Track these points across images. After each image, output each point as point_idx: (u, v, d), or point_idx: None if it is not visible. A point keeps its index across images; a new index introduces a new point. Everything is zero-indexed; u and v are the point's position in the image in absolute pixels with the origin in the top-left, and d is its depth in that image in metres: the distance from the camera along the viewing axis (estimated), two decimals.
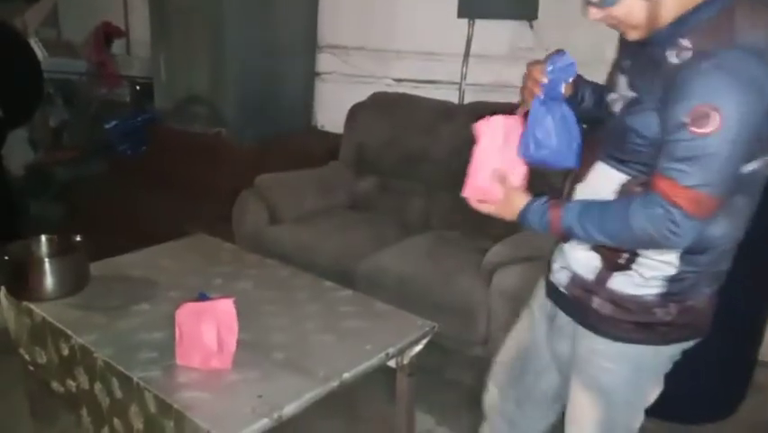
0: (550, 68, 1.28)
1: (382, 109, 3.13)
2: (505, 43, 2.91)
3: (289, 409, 1.37)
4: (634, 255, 1.20)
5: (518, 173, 1.30)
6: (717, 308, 2.02)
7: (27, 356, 1.86)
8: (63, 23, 4.99)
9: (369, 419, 2.17)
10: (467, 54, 3.02)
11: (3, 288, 1.87)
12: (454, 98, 3.09)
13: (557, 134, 1.27)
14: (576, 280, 1.29)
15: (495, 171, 1.28)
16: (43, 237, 1.99)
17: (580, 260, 1.27)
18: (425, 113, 2.99)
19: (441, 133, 2.87)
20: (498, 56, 2.94)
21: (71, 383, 1.68)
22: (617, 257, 1.21)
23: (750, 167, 1.09)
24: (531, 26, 2.78)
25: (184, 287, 1.85)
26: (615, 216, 1.14)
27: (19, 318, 1.85)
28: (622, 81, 1.21)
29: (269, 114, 3.45)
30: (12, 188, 3.72)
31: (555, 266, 1.36)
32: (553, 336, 1.41)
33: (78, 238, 1.96)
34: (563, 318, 1.35)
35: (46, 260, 1.88)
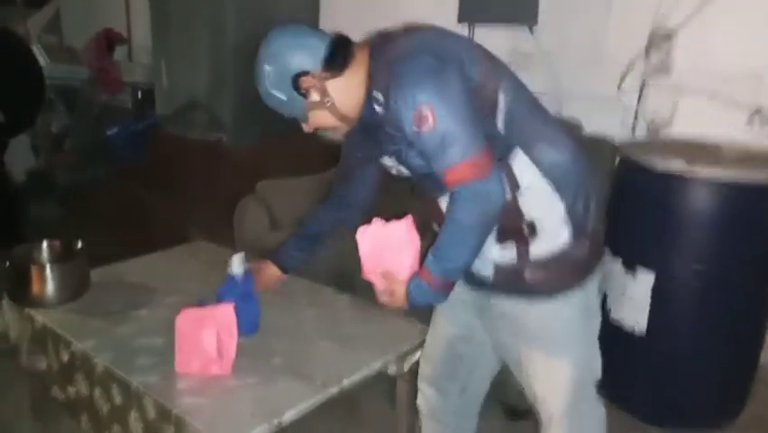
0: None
1: None
2: (505, 48, 2.91)
3: (289, 416, 1.37)
4: (529, 224, 1.29)
5: (406, 268, 1.36)
6: (718, 313, 2.03)
7: (27, 362, 1.86)
8: (65, 29, 5.02)
9: (369, 424, 2.17)
10: None
11: (4, 293, 1.88)
12: None
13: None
14: (500, 269, 1.34)
15: (379, 272, 1.38)
16: (44, 243, 2.00)
17: (495, 254, 1.34)
18: None
19: None
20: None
21: (71, 389, 1.68)
22: (519, 232, 1.30)
23: (500, 120, 1.25)
24: (531, 31, 2.78)
25: (184, 293, 1.86)
26: (454, 233, 1.26)
27: (20, 324, 1.85)
28: (389, 161, 1.40)
29: (270, 120, 3.44)
30: (13, 193, 3.74)
31: (476, 265, 1.39)
32: (490, 324, 1.46)
33: (79, 244, 1.97)
34: (498, 304, 1.40)
35: (47, 266, 1.88)
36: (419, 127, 1.19)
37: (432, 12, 3.14)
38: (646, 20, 2.49)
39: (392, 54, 1.24)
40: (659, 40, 2.48)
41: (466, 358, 1.55)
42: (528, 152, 1.27)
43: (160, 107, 3.71)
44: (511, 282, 1.35)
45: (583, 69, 2.69)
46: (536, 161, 1.27)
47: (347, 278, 2.41)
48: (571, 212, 1.30)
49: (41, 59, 4.02)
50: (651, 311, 2.05)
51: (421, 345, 1.70)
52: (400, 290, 1.34)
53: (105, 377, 1.53)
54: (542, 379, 1.41)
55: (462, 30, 2.98)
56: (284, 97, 1.34)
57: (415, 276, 1.32)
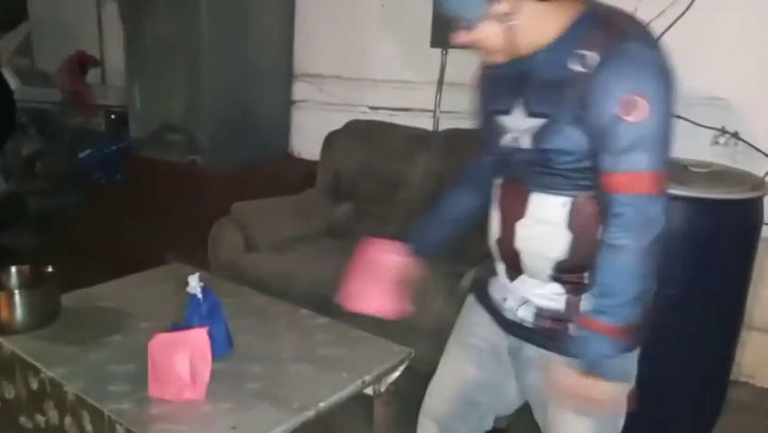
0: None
1: (358, 136, 3.16)
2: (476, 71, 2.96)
3: None
4: (592, 271, 1.19)
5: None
6: (690, 329, 2.06)
7: None
8: (37, 51, 4.97)
9: None
10: (441, 82, 3.07)
11: None
12: (429, 126, 3.13)
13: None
14: (544, 313, 1.27)
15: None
16: (13, 268, 1.96)
17: (542, 294, 1.26)
18: (400, 140, 3.03)
19: (416, 159, 2.90)
20: (471, 84, 2.99)
21: (40, 418, 1.64)
22: (579, 279, 1.22)
23: None
24: None
25: (157, 317, 1.83)
26: (620, 262, 1.11)
27: None
28: (514, 121, 1.21)
29: (245, 141, 3.46)
30: None
31: (509, 303, 1.33)
32: (521, 368, 1.38)
33: (50, 269, 1.93)
34: (532, 351, 1.31)
35: (16, 292, 1.84)
36: (626, 113, 1.05)
37: (405, 36, 3.19)
38: None
39: (629, 27, 1.10)
40: None
41: (483, 406, 1.48)
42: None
43: (134, 130, 3.69)
44: (551, 333, 1.26)
45: None
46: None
47: (326, 301, 2.41)
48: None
49: (12, 82, 3.98)
50: None
51: (399, 364, 1.70)
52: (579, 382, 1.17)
53: (76, 405, 1.50)
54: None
55: (435, 54, 3.03)
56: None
57: (581, 333, 1.17)
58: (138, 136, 3.67)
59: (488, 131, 1.30)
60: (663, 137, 1.09)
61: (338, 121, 3.27)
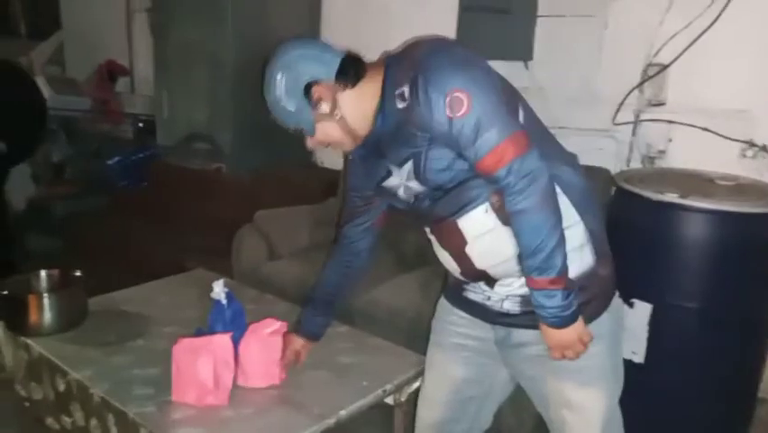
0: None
1: None
2: None
3: None
4: None
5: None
6: (717, 344, 2.03)
7: (23, 392, 1.86)
8: (68, 60, 5.09)
9: None
10: None
11: (2, 322, 1.87)
12: None
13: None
14: (527, 299, 1.30)
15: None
16: (42, 272, 2.00)
17: (521, 284, 1.30)
18: None
19: None
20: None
21: (66, 420, 1.67)
22: None
23: (521, 118, 1.25)
24: (526, 66, 2.84)
25: (181, 322, 1.86)
26: (528, 223, 1.20)
27: (16, 353, 1.85)
28: (396, 178, 1.32)
29: (269, 150, 3.48)
30: (12, 222, 3.75)
31: (493, 299, 1.37)
32: (511, 355, 1.42)
33: (77, 273, 1.97)
34: (521, 334, 1.36)
35: (45, 295, 1.88)
36: (454, 113, 1.15)
37: None
38: (639, 55, 2.54)
39: (419, 52, 1.22)
40: (652, 75, 2.53)
41: (476, 399, 1.52)
42: (548, 167, 1.23)
43: (161, 138, 3.75)
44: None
45: (577, 103, 2.73)
46: (556, 178, 1.25)
47: (344, 309, 2.42)
48: (590, 231, 1.31)
49: (45, 91, 4.07)
50: (649, 342, 2.05)
51: (419, 374, 1.70)
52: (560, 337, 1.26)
53: (101, 407, 1.53)
54: (575, 410, 1.37)
55: None
56: (293, 108, 1.30)
57: (532, 297, 1.25)
58: (164, 144, 3.72)
59: (377, 200, 1.48)
60: (497, 106, 1.18)
61: None
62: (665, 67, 2.50)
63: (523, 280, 1.28)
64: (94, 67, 4.52)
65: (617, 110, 2.62)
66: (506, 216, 1.23)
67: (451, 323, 1.49)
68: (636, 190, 2.06)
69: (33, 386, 1.79)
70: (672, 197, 1.98)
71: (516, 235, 1.22)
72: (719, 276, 2.00)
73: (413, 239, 2.91)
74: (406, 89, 1.20)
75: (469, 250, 1.30)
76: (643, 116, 2.59)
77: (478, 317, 1.42)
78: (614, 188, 2.24)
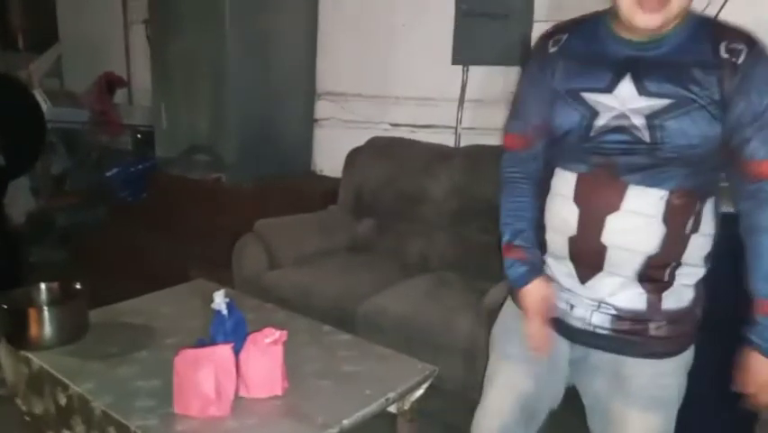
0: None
1: (380, 153, 3.17)
2: (498, 88, 2.97)
3: None
4: (674, 268, 1.21)
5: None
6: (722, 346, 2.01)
7: (24, 406, 1.84)
8: (66, 73, 5.10)
9: None
10: (462, 99, 3.08)
11: (2, 336, 1.87)
12: (450, 142, 3.13)
13: None
14: (623, 315, 1.24)
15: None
16: (43, 285, 1.99)
17: (624, 295, 1.23)
18: (422, 156, 3.04)
19: (438, 175, 2.91)
20: (492, 100, 3.00)
21: None
22: (661, 277, 1.21)
23: None
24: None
25: (183, 333, 1.85)
26: None
27: (17, 367, 1.84)
28: (621, 94, 1.16)
29: (269, 159, 3.49)
30: (13, 236, 3.74)
31: (578, 311, 1.29)
32: (584, 375, 1.37)
33: (78, 286, 1.97)
34: (602, 357, 1.30)
35: (45, 308, 1.88)
36: None
37: (427, 54, 3.21)
38: None
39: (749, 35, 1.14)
40: None
41: (538, 414, 1.45)
42: (715, 204, 1.21)
43: (160, 149, 3.75)
44: (628, 337, 1.25)
45: None
46: (717, 217, 1.23)
47: (346, 316, 2.41)
48: (702, 278, 1.26)
49: (43, 103, 4.08)
50: None
51: (423, 382, 1.69)
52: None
53: (103, 420, 1.51)
54: None
55: (457, 71, 3.05)
56: None
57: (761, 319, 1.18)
58: (164, 155, 3.73)
59: (562, 111, 1.23)
60: None
61: (360, 138, 3.30)
62: None
63: (627, 288, 1.22)
64: (92, 79, 4.53)
65: None
66: (671, 216, 1.16)
67: (523, 334, 1.39)
68: None
69: (34, 400, 1.78)
70: None
71: (761, 253, 1.16)
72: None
73: (416, 246, 2.92)
74: (742, 49, 1.11)
75: (612, 218, 1.18)
76: None
77: (559, 331, 1.34)
78: None
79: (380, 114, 3.45)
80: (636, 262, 1.20)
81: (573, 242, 1.25)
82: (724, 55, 1.11)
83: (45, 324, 1.80)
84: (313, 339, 1.89)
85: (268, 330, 1.60)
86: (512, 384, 1.43)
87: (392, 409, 1.69)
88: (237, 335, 1.63)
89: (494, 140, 2.78)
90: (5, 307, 1.84)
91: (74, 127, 4.47)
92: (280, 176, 3.49)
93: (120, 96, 4.59)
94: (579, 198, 1.22)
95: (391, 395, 1.62)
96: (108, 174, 4.03)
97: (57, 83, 5.03)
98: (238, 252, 2.87)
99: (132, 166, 4.02)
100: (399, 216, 3.02)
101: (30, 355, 1.77)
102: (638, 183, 1.16)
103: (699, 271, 1.25)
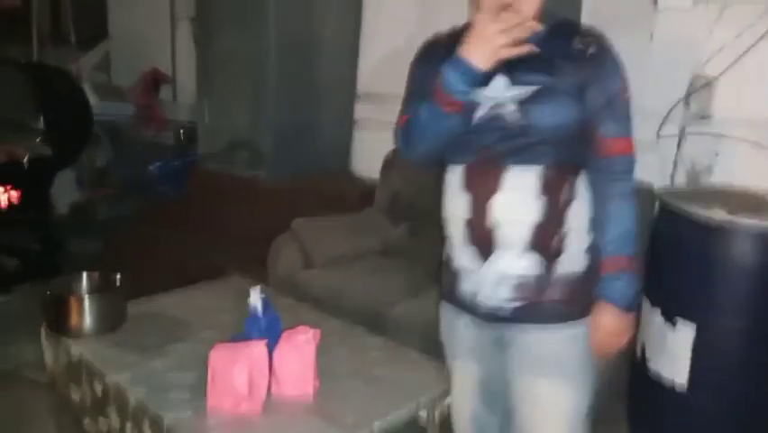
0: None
1: None
2: None
3: None
4: (562, 237, 1.32)
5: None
6: (764, 369, 1.95)
7: (62, 393, 1.89)
8: (114, 68, 5.22)
9: None
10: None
11: (44, 322, 1.92)
12: None
13: None
14: (523, 284, 1.33)
15: None
16: (84, 274, 2.05)
17: (520, 264, 1.33)
18: None
19: None
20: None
21: (103, 422, 1.69)
22: (550, 244, 1.32)
23: None
24: None
25: (219, 327, 1.87)
26: (627, 208, 1.35)
27: (57, 354, 1.89)
28: (496, 86, 1.31)
29: (308, 159, 3.51)
30: (56, 225, 3.85)
31: (483, 294, 1.37)
32: (503, 355, 1.43)
33: (118, 276, 2.01)
34: (510, 333, 1.39)
35: (85, 297, 1.92)
36: (624, 92, 1.34)
37: None
38: (685, 67, 2.48)
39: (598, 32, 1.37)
40: (699, 87, 2.47)
41: (498, 392, 1.50)
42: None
43: (202, 145, 3.81)
44: (529, 305, 1.34)
45: None
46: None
47: (378, 318, 2.40)
48: (591, 245, 1.37)
49: (91, 97, 4.18)
50: (692, 365, 1.98)
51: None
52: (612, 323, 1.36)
53: (137, 411, 1.54)
54: (542, 407, 1.40)
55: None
56: None
57: (616, 276, 1.34)
58: (205, 151, 3.78)
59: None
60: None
61: None
62: (712, 79, 2.43)
63: (522, 259, 1.32)
64: (139, 74, 4.63)
65: (662, 123, 2.56)
66: (547, 187, 1.30)
67: (457, 329, 1.50)
68: (682, 208, 2.00)
69: (72, 387, 1.82)
70: (719, 214, 1.92)
71: (613, 217, 1.34)
72: (766, 299, 1.92)
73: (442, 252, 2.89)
74: (593, 43, 1.32)
75: (494, 199, 1.32)
76: (688, 130, 2.52)
77: (474, 315, 1.43)
78: (658, 206, 2.18)
79: None
80: (524, 233, 1.32)
81: (469, 226, 1.37)
82: (578, 47, 1.31)
83: (85, 312, 1.84)
84: (344, 341, 1.89)
85: (302, 328, 1.61)
86: (466, 377, 1.53)
87: (422, 413, 1.67)
88: (271, 332, 1.64)
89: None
90: (48, 294, 1.89)
91: (119, 121, 4.58)
92: (318, 176, 3.50)
93: (165, 92, 4.68)
94: (468, 186, 1.36)
95: (422, 399, 1.62)
96: (150, 168, 4.11)
97: (104, 77, 5.15)
98: (274, 250, 2.89)
99: (173, 161, 4.10)
100: (434, 222, 2.99)
101: (69, 343, 1.81)
102: (516, 163, 1.31)
103: (586, 238, 1.36)
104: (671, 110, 2.53)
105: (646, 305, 2.10)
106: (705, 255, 1.96)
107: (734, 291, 1.95)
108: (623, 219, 1.34)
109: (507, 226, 1.32)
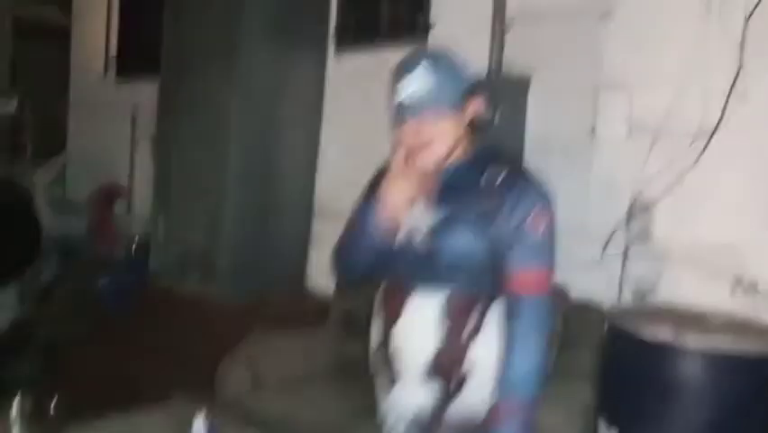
0: None
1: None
2: None
3: None
4: (463, 375, 1.29)
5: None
6: None
7: None
8: (70, 182, 5.21)
9: None
10: None
11: None
12: None
13: None
14: (417, 421, 1.31)
15: None
16: (15, 400, 1.92)
17: (417, 395, 1.31)
18: None
19: None
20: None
21: None
22: (448, 377, 1.28)
23: None
24: None
25: None
26: (524, 345, 1.27)
27: None
28: (418, 211, 1.36)
29: (264, 275, 3.49)
30: None
31: (387, 426, 1.37)
32: None
33: (54, 402, 1.89)
34: None
35: (16, 426, 1.79)
36: (533, 227, 1.28)
37: None
38: (626, 189, 2.62)
39: (515, 162, 1.39)
40: (639, 210, 2.59)
41: None
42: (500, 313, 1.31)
43: (154, 260, 3.75)
44: None
45: (566, 235, 2.76)
46: (502, 327, 1.31)
47: None
48: (493, 391, 1.30)
49: (44, 213, 4.13)
50: None
51: None
52: None
53: None
54: None
55: None
56: (449, 89, 1.31)
57: (503, 423, 1.26)
58: (157, 267, 3.72)
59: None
60: (554, 244, 1.33)
61: None
62: (651, 203, 2.56)
63: (417, 388, 1.30)
64: (94, 187, 4.62)
65: (606, 244, 2.66)
66: (450, 315, 1.29)
67: None
68: (629, 328, 2.04)
69: None
70: (664, 335, 1.95)
71: (507, 356, 1.27)
72: (718, 419, 1.93)
73: None
74: (499, 178, 1.32)
75: (398, 324, 1.33)
76: (631, 251, 2.62)
77: None
78: (606, 326, 2.22)
79: None
80: (422, 360, 1.30)
81: (380, 350, 1.38)
82: (489, 177, 1.32)
83: None
84: None
85: None
86: None
87: None
88: None
89: None
90: None
91: (69, 235, 4.50)
92: (273, 292, 3.46)
93: (120, 206, 4.66)
94: (382, 309, 1.39)
95: None
96: (99, 283, 4.00)
97: (59, 191, 5.12)
98: (223, 370, 2.79)
99: (123, 277, 4.00)
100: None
101: None
102: (421, 289, 1.32)
103: (492, 378, 1.29)
104: (612, 234, 2.64)
105: (603, 424, 2.07)
106: (655, 375, 1.97)
107: (685, 410, 1.96)
108: (520, 360, 1.27)
109: (407, 353, 1.32)
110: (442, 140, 1.33)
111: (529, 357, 1.26)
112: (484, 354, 1.29)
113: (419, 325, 1.30)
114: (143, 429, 2.03)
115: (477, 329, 1.29)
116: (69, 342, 3.76)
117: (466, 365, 1.29)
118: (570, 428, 2.17)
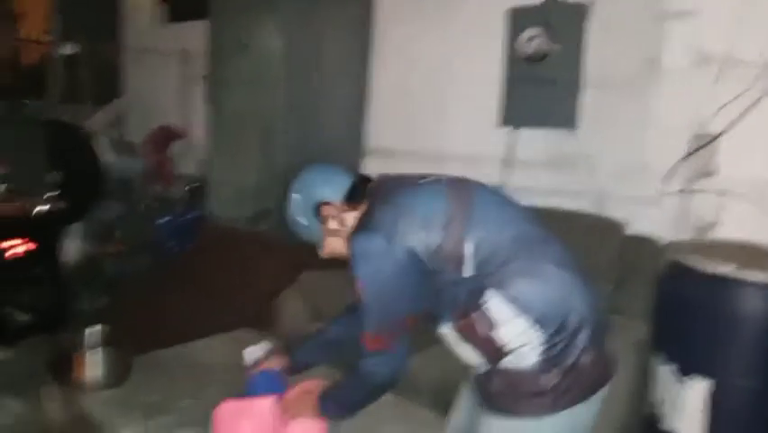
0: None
1: None
2: (545, 149, 2.97)
3: None
4: (501, 347, 1.29)
5: None
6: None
7: None
8: (129, 124, 5.35)
9: None
10: (509, 160, 3.09)
11: (48, 377, 1.90)
12: None
13: None
14: (480, 373, 1.37)
15: None
16: (88, 329, 2.04)
17: (469, 356, 1.37)
18: None
19: None
20: (538, 162, 3.00)
21: None
22: (494, 351, 1.31)
23: (468, 268, 1.30)
24: (571, 133, 2.84)
25: (225, 383, 1.85)
26: (354, 387, 1.47)
27: (60, 409, 1.86)
28: None
29: None
30: (63, 280, 3.85)
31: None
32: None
33: (122, 332, 2.00)
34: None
35: (90, 352, 1.91)
36: (359, 290, 1.35)
37: (473, 117, 3.25)
38: (688, 125, 2.52)
39: (363, 220, 1.41)
40: (701, 144, 2.50)
41: None
42: (504, 291, 1.28)
43: (211, 200, 3.85)
44: (481, 391, 1.38)
45: (625, 170, 2.71)
46: (513, 299, 1.28)
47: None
48: (548, 343, 1.28)
49: (107, 153, 4.25)
50: (705, 422, 1.94)
51: None
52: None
53: None
54: None
55: (503, 133, 3.07)
56: (306, 222, 1.52)
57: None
58: (214, 206, 3.82)
59: None
60: (380, 305, 1.35)
61: None
62: (715, 137, 2.46)
63: (469, 353, 1.37)
64: (151, 130, 4.73)
65: (666, 180, 2.58)
66: (465, 336, 1.34)
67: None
68: (690, 263, 2.00)
69: None
70: (727, 269, 1.91)
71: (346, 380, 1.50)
72: None
73: None
74: None
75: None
76: (692, 187, 2.54)
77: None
78: (666, 260, 2.18)
79: (427, 171, 3.47)
80: (473, 363, 1.38)
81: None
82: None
83: (90, 367, 1.83)
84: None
85: (308, 382, 1.59)
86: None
87: None
88: (276, 387, 1.62)
89: (540, 200, 2.76)
90: (54, 348, 1.88)
91: (129, 176, 4.64)
92: None
93: (177, 147, 4.77)
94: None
95: None
96: (158, 222, 4.14)
97: (118, 134, 5.26)
98: (281, 304, 2.88)
99: (181, 216, 4.13)
100: None
101: (74, 397, 1.79)
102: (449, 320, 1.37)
103: (533, 340, 1.28)
104: (673, 167, 2.56)
105: (660, 361, 2.07)
106: (715, 310, 1.95)
107: (744, 346, 1.93)
108: (350, 391, 1.48)
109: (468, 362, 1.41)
110: (338, 250, 1.51)
111: (357, 394, 1.47)
112: (508, 336, 1.29)
113: (454, 351, 1.40)
114: (209, 357, 2.12)
115: (489, 325, 1.29)
116: (133, 279, 3.94)
117: (500, 344, 1.30)
118: (623, 363, 2.17)
